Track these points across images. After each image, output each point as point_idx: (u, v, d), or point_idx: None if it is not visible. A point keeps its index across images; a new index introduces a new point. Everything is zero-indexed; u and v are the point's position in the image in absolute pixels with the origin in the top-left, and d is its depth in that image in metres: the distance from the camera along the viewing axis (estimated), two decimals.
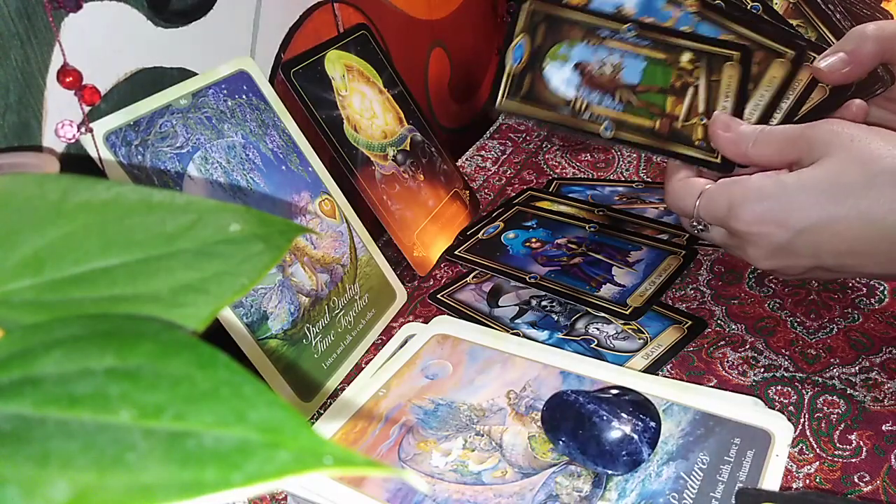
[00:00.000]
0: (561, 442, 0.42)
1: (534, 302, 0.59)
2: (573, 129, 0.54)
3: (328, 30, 0.64)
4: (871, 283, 0.56)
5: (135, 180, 0.46)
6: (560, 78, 0.53)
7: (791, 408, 0.46)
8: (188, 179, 0.49)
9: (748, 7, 0.51)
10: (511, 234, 0.67)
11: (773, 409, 0.46)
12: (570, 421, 0.42)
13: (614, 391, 0.44)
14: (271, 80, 0.58)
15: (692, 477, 0.40)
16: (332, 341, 0.53)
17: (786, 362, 0.50)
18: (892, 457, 0.43)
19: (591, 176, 0.77)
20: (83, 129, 0.44)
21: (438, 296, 0.61)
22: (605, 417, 0.41)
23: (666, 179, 0.50)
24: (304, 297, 0.52)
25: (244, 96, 0.54)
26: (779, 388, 0.48)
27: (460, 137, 0.86)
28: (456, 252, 0.65)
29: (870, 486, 0.41)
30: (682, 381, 0.49)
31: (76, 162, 0.45)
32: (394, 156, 0.64)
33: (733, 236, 0.46)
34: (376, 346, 0.56)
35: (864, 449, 0.43)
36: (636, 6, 0.53)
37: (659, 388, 0.46)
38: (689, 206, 0.47)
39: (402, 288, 0.61)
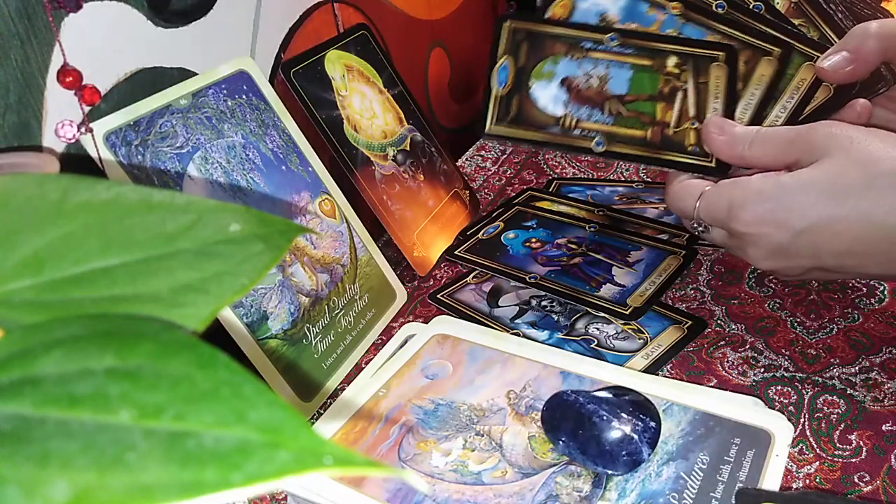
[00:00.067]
0: (561, 442, 0.42)
1: (534, 302, 0.59)
2: (564, 147, 0.53)
3: (328, 30, 0.64)
4: (871, 283, 0.56)
5: (135, 180, 0.46)
6: (547, 96, 0.53)
7: (791, 408, 0.46)
8: (188, 179, 0.49)
9: (750, 7, 0.51)
10: (511, 234, 0.67)
11: (773, 409, 0.46)
12: (570, 421, 0.42)
13: (614, 391, 0.44)
14: (271, 80, 0.58)
15: (692, 477, 0.40)
16: (332, 341, 0.53)
17: (786, 362, 0.50)
18: (892, 457, 0.43)
19: (591, 176, 0.77)
20: (83, 129, 0.44)
21: (438, 296, 0.61)
22: (605, 417, 0.41)
23: (667, 181, 0.50)
24: (304, 297, 0.52)
25: (244, 96, 0.54)
26: (779, 388, 0.48)
27: (460, 137, 0.86)
28: (456, 252, 0.65)
29: (870, 486, 0.41)
30: (682, 381, 0.49)
31: (76, 162, 0.45)
32: (394, 156, 0.64)
33: (733, 237, 0.46)
34: (376, 346, 0.56)
35: (864, 449, 0.43)
36: (620, 12, 0.53)
37: (659, 388, 0.46)
38: (690, 208, 0.47)
39: (402, 288, 0.61)
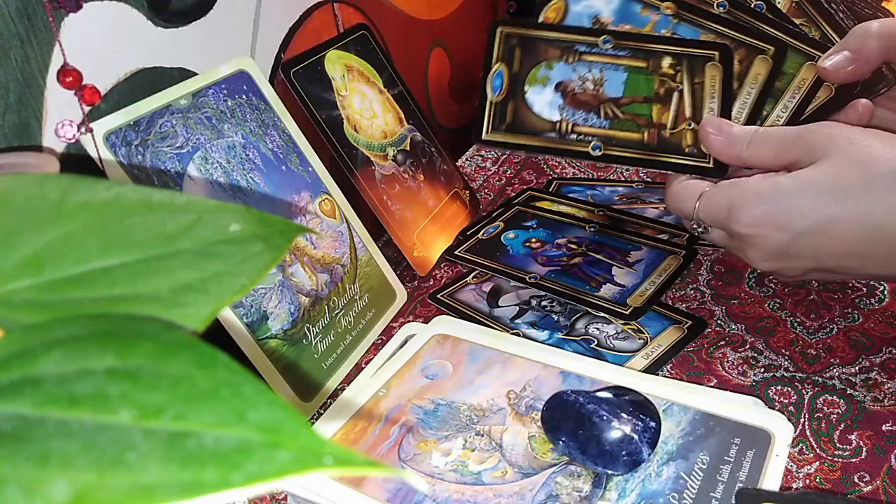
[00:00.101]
0: (561, 442, 0.42)
1: (534, 302, 0.59)
2: (561, 152, 0.53)
3: (328, 30, 0.64)
4: (871, 283, 0.56)
5: (135, 180, 0.46)
6: (543, 101, 0.53)
7: (791, 408, 0.46)
8: (188, 179, 0.49)
9: (751, 6, 0.51)
10: (511, 234, 0.67)
11: (773, 409, 0.46)
12: (570, 421, 0.42)
13: (614, 391, 0.44)
14: (271, 80, 0.58)
15: (692, 477, 0.40)
16: (332, 341, 0.53)
17: (786, 362, 0.50)
18: (892, 457, 0.43)
19: (591, 176, 0.77)
20: (83, 129, 0.44)
21: (438, 296, 0.61)
22: (605, 417, 0.41)
23: (666, 182, 0.50)
24: (304, 297, 0.52)
25: (244, 96, 0.54)
26: (779, 388, 0.48)
27: (460, 137, 0.86)
28: (456, 252, 0.65)
29: (870, 486, 0.41)
30: (682, 381, 0.49)
31: (76, 162, 0.45)
32: (394, 156, 0.64)
33: (733, 238, 0.46)
34: (376, 346, 0.56)
35: (864, 449, 0.43)
36: (613, 14, 0.53)
37: (659, 388, 0.46)
38: (689, 209, 0.47)
39: (402, 288, 0.61)
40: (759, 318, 0.54)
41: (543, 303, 0.58)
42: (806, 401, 0.47)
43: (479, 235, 0.67)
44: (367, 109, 0.63)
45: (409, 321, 0.58)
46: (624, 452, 0.40)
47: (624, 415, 0.41)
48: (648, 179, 0.75)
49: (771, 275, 0.57)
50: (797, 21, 0.51)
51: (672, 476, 0.41)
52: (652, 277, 0.59)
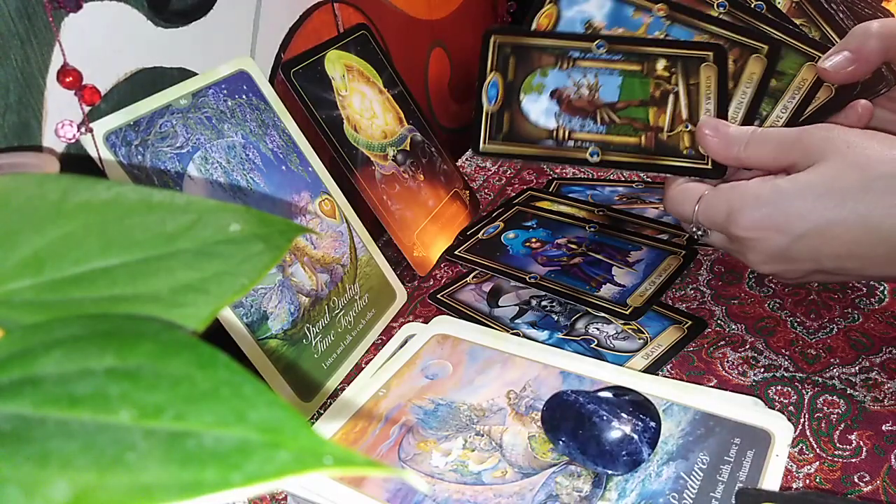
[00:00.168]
0: (561, 442, 0.42)
1: (534, 302, 0.59)
2: (560, 160, 0.53)
3: (328, 30, 0.64)
4: (871, 283, 0.56)
5: (135, 180, 0.46)
6: (539, 109, 0.52)
7: (791, 408, 0.46)
8: (188, 179, 0.49)
9: (752, 6, 0.51)
10: (511, 234, 0.67)
11: (773, 409, 0.46)
12: (570, 421, 0.42)
13: (614, 391, 0.44)
14: (271, 80, 0.58)
15: (692, 477, 0.40)
16: (332, 341, 0.53)
17: (786, 362, 0.50)
18: (892, 457, 0.43)
19: (591, 176, 0.77)
20: (83, 129, 0.44)
21: (438, 296, 0.61)
22: (605, 417, 0.41)
23: (665, 185, 0.50)
24: (304, 297, 0.52)
25: (244, 96, 0.54)
26: (779, 388, 0.48)
27: (460, 137, 0.86)
28: (456, 252, 0.65)
29: (870, 486, 0.41)
30: (682, 381, 0.49)
31: (76, 162, 0.45)
32: (394, 156, 0.64)
33: (733, 241, 0.46)
34: (376, 346, 0.56)
35: (864, 449, 0.43)
36: (605, 18, 0.52)
37: (659, 388, 0.46)
38: (689, 212, 0.47)
39: (402, 288, 0.61)
40: (759, 318, 0.54)
41: (543, 303, 0.58)
42: (806, 401, 0.47)
43: (479, 235, 0.67)
44: (367, 109, 0.63)
45: (409, 321, 0.58)
46: (624, 452, 0.40)
47: (624, 415, 0.41)
48: (648, 179, 0.75)
49: (772, 277, 0.57)
50: (797, 21, 0.51)
51: (672, 476, 0.41)
52: (652, 277, 0.59)
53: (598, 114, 0.51)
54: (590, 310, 0.56)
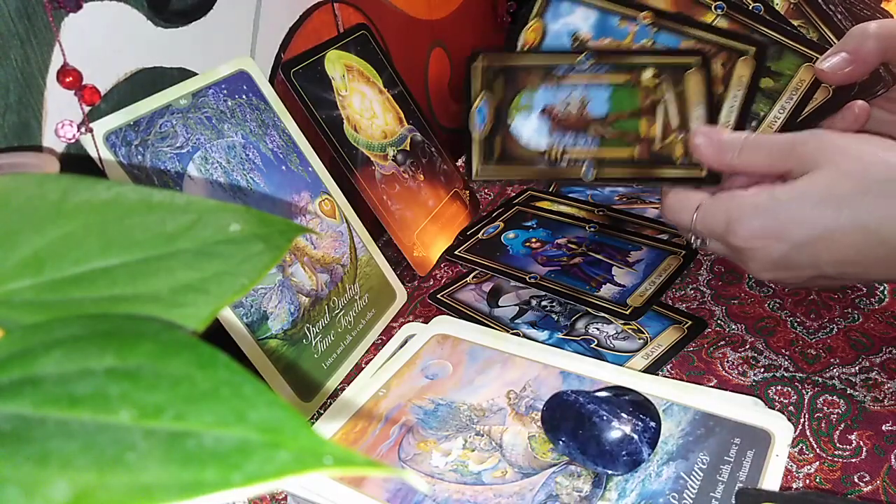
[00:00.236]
0: (561, 442, 0.42)
1: (534, 302, 0.59)
2: (555, 179, 0.53)
3: (328, 30, 0.64)
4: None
5: (135, 180, 0.46)
6: (529, 129, 0.52)
7: (791, 408, 0.46)
8: (188, 179, 0.49)
9: (749, 8, 0.51)
10: (511, 234, 0.67)
11: (773, 409, 0.46)
12: (570, 421, 0.42)
13: (614, 391, 0.44)
14: (271, 80, 0.58)
15: (692, 477, 0.40)
16: (332, 341, 0.53)
17: (786, 362, 0.50)
18: (892, 457, 0.43)
19: None
20: (83, 129, 0.44)
21: (438, 296, 0.61)
22: (605, 417, 0.41)
23: (662, 194, 0.50)
24: (304, 297, 0.52)
25: (244, 96, 0.54)
26: (779, 388, 0.48)
27: (460, 137, 0.86)
28: (456, 252, 0.65)
29: (870, 486, 0.41)
30: (682, 381, 0.49)
31: (76, 162, 0.45)
32: (394, 156, 0.64)
33: (733, 250, 0.45)
34: (376, 346, 0.56)
35: (864, 449, 0.43)
36: (591, 29, 0.52)
37: (659, 388, 0.46)
38: (687, 221, 0.47)
39: (402, 288, 0.61)
40: (759, 318, 0.54)
41: (543, 303, 0.58)
42: (806, 401, 0.47)
43: (479, 235, 0.67)
44: (367, 109, 0.63)
45: (409, 321, 0.58)
46: (624, 452, 0.40)
47: (624, 415, 0.41)
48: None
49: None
50: (795, 23, 0.51)
51: (672, 476, 0.41)
52: (652, 277, 0.59)
53: (589, 129, 0.51)
54: (590, 310, 0.56)
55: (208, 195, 0.49)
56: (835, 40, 0.49)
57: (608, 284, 0.59)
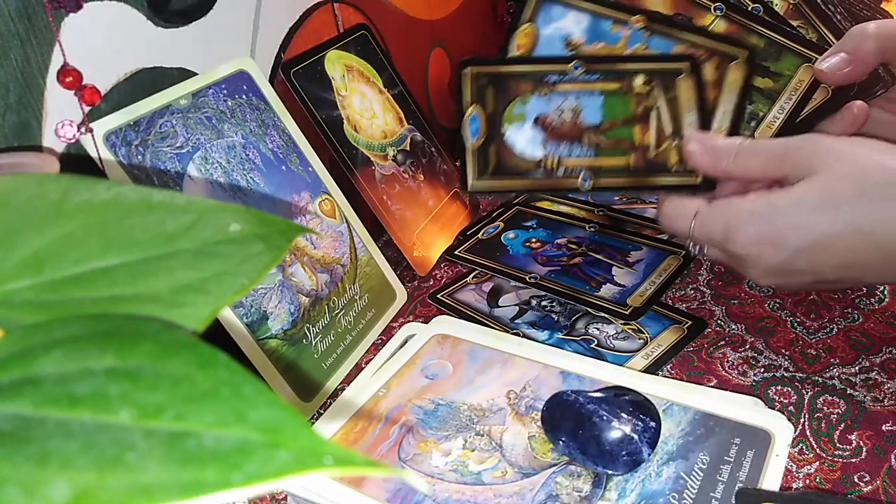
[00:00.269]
0: (561, 442, 0.42)
1: (534, 302, 0.59)
2: (552, 190, 0.52)
3: (328, 30, 0.64)
4: None
5: (135, 180, 0.46)
6: (524, 139, 0.51)
7: (791, 408, 0.46)
8: (188, 179, 0.49)
9: (749, 9, 0.51)
10: (511, 234, 0.67)
11: (773, 409, 0.46)
12: (570, 421, 0.42)
13: (614, 391, 0.44)
14: (271, 80, 0.58)
15: (692, 477, 0.40)
16: (332, 341, 0.53)
17: (786, 362, 0.50)
18: (892, 457, 0.43)
19: None
20: (83, 129, 0.44)
21: (438, 296, 0.61)
22: (605, 417, 0.41)
23: (658, 201, 0.50)
24: (304, 297, 0.52)
25: (244, 96, 0.54)
26: (779, 388, 0.48)
27: (460, 137, 0.86)
28: (456, 252, 0.65)
29: (870, 486, 0.41)
30: (682, 381, 0.49)
31: (76, 162, 0.45)
32: (394, 156, 0.64)
33: (731, 257, 0.45)
34: (376, 346, 0.56)
35: (864, 449, 0.43)
36: (584, 33, 0.52)
37: (659, 388, 0.46)
38: (684, 228, 0.46)
39: (402, 288, 0.61)
40: (759, 318, 0.54)
41: (543, 303, 0.58)
42: (806, 401, 0.47)
43: (479, 235, 0.67)
44: (367, 109, 0.63)
45: (409, 321, 0.58)
46: (624, 452, 0.40)
47: (624, 415, 0.41)
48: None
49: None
50: (794, 23, 0.51)
51: (672, 476, 0.41)
52: (652, 277, 0.59)
53: (584, 137, 0.51)
54: (590, 310, 0.56)
55: (208, 195, 0.49)
56: (834, 41, 0.49)
57: (608, 284, 0.59)
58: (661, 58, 0.50)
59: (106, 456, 0.16)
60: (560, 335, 0.55)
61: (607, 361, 0.51)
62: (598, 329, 0.55)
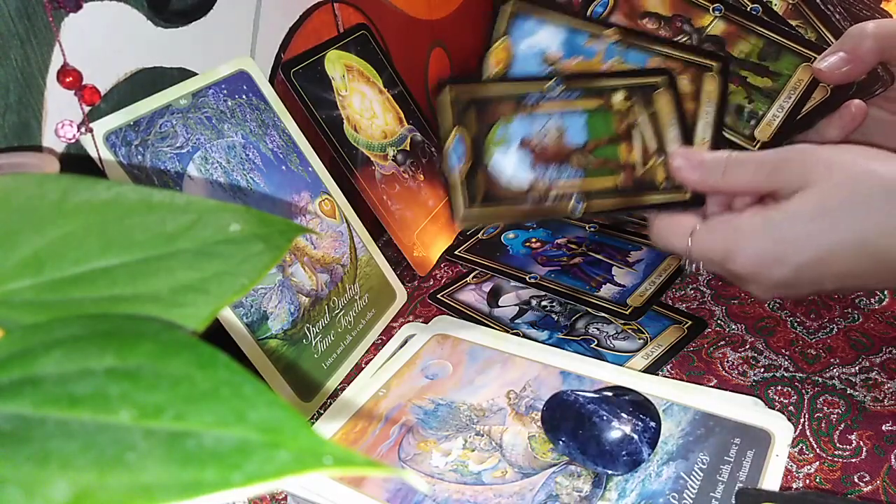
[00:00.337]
0: (561, 442, 0.42)
1: (534, 302, 0.59)
2: (544, 217, 0.50)
3: (328, 30, 0.64)
4: None
5: (135, 180, 0.46)
6: (510, 164, 0.49)
7: (791, 408, 0.46)
8: (188, 179, 0.49)
9: (748, 9, 0.51)
10: (511, 234, 0.67)
11: (773, 409, 0.46)
12: (570, 421, 0.42)
13: (614, 391, 0.44)
14: (271, 80, 0.58)
15: (692, 477, 0.40)
16: (332, 341, 0.53)
17: (786, 362, 0.50)
18: (892, 457, 0.43)
19: None
20: (83, 129, 0.44)
21: (438, 296, 0.61)
22: (605, 417, 0.41)
23: (649, 220, 0.48)
24: (304, 297, 0.52)
25: (244, 96, 0.54)
26: (779, 388, 0.48)
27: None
28: (456, 252, 0.65)
29: (870, 486, 0.41)
30: (682, 381, 0.49)
31: (76, 162, 0.45)
32: (394, 156, 0.64)
33: (732, 276, 0.45)
34: (376, 346, 0.56)
35: (864, 449, 0.43)
36: (561, 48, 0.51)
37: (659, 388, 0.46)
38: (681, 247, 0.45)
39: (402, 288, 0.61)
40: (759, 318, 0.54)
41: (543, 303, 0.58)
42: (806, 401, 0.47)
43: (479, 235, 0.67)
44: (367, 109, 0.63)
45: (409, 321, 0.58)
46: (624, 452, 0.40)
47: (624, 415, 0.41)
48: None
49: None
50: (794, 23, 0.51)
51: (672, 476, 0.41)
52: (652, 277, 0.59)
53: (571, 159, 0.49)
54: (590, 310, 0.56)
55: (208, 195, 0.49)
56: (833, 41, 0.49)
57: (608, 284, 0.59)
58: (638, 72, 0.49)
59: (106, 456, 0.16)
60: (560, 335, 0.55)
61: (607, 361, 0.51)
62: (598, 329, 0.55)
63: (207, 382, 0.18)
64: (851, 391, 0.47)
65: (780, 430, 0.42)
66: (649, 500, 0.40)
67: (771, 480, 0.40)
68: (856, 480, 0.41)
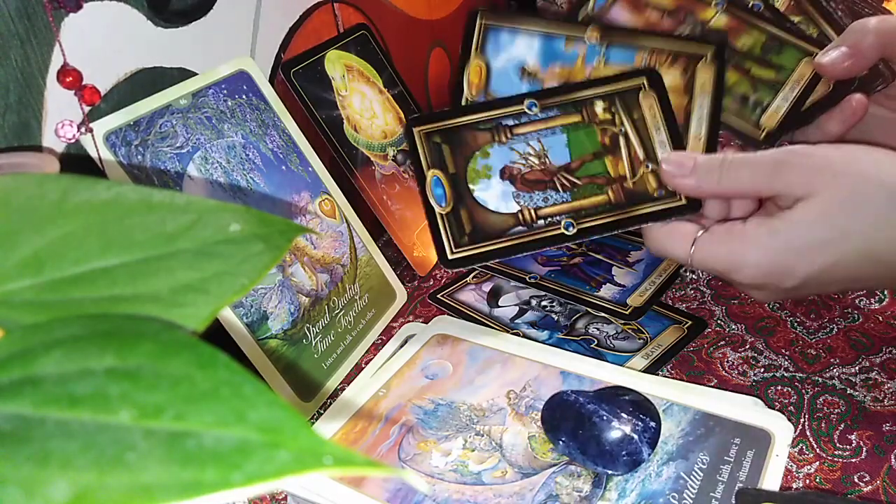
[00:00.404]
0: (561, 442, 0.42)
1: (534, 302, 0.59)
2: (535, 244, 0.47)
3: (328, 30, 0.64)
4: None
5: (135, 180, 0.46)
6: (494, 196, 0.47)
7: (791, 408, 0.46)
8: (188, 179, 0.49)
9: (750, 5, 0.51)
10: None
11: (773, 409, 0.46)
12: (570, 421, 0.42)
13: (614, 391, 0.44)
14: (271, 80, 0.58)
15: (692, 477, 0.40)
16: (332, 341, 0.53)
17: (786, 362, 0.50)
18: (892, 457, 0.43)
19: None
20: (83, 129, 0.44)
21: (438, 296, 0.61)
22: (605, 417, 0.41)
23: (643, 230, 0.47)
24: (304, 297, 0.52)
25: (244, 96, 0.54)
26: (779, 388, 0.48)
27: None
28: None
29: (870, 486, 0.41)
30: (682, 381, 0.49)
31: (76, 162, 0.45)
32: (394, 156, 0.64)
33: (738, 285, 0.44)
34: (376, 346, 0.56)
35: (864, 449, 0.43)
36: (538, 57, 0.49)
37: (659, 388, 0.46)
38: (682, 255, 0.44)
39: (402, 288, 0.61)
40: (759, 318, 0.54)
41: (543, 303, 0.58)
42: (806, 401, 0.47)
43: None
44: (367, 109, 0.63)
45: (409, 321, 0.58)
46: (624, 452, 0.40)
47: (624, 415, 0.41)
48: None
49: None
50: (795, 19, 0.51)
51: (672, 476, 0.41)
52: (652, 277, 0.59)
53: (556, 181, 0.47)
54: (590, 310, 0.56)
55: (208, 195, 0.49)
56: (835, 37, 0.50)
57: (608, 284, 0.59)
58: (616, 78, 0.47)
59: (106, 456, 0.16)
60: (560, 335, 0.55)
61: (607, 361, 0.51)
62: (598, 329, 0.55)
63: (207, 382, 0.18)
64: (851, 391, 0.47)
65: (780, 430, 0.42)
66: (649, 500, 0.40)
67: (771, 480, 0.40)
68: (856, 480, 0.41)
